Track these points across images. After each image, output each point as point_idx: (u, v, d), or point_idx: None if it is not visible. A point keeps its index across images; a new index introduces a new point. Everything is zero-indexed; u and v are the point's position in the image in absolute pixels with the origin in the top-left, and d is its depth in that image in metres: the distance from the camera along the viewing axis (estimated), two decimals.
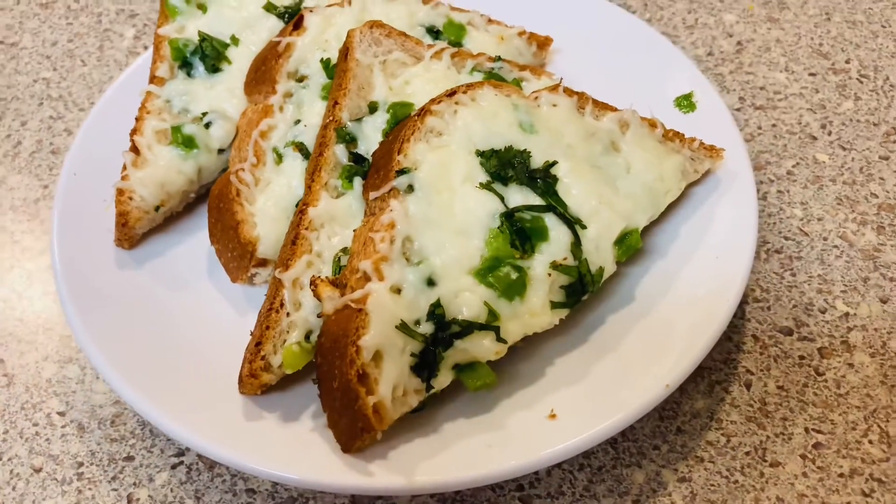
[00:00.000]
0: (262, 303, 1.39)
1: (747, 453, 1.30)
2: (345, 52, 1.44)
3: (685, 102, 1.61)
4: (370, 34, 1.45)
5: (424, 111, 1.30)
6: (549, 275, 1.25)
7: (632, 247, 1.34)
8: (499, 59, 1.52)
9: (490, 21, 1.69)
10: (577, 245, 1.27)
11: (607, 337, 1.32)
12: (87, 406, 1.36)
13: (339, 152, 1.36)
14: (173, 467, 1.30)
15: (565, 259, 1.26)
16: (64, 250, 1.38)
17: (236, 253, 1.37)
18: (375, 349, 1.13)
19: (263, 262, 1.39)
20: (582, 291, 1.28)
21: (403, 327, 1.15)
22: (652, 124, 1.44)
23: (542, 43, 1.73)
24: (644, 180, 1.37)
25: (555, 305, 1.26)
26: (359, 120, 1.40)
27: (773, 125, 1.79)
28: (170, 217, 1.51)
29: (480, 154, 1.29)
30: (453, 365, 1.21)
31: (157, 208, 1.44)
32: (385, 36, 1.47)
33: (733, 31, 2.00)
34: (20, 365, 1.41)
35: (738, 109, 1.82)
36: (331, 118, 1.38)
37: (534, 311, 1.24)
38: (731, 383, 1.38)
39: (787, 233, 1.59)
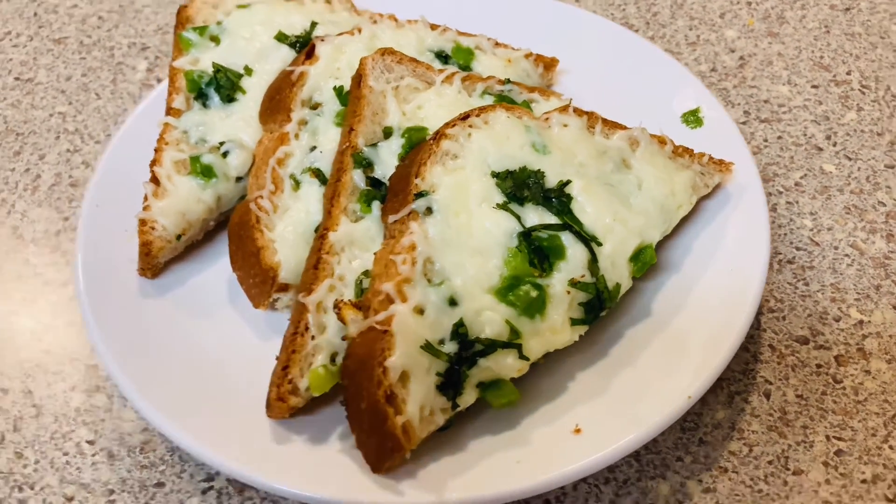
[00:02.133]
0: (284, 327, 1.41)
1: (770, 462, 1.31)
2: (358, 79, 1.47)
3: (692, 118, 1.63)
4: (382, 61, 1.49)
5: (439, 135, 1.33)
6: (568, 292, 1.27)
7: (647, 262, 1.36)
8: (508, 81, 1.55)
9: (497, 44, 1.73)
10: (593, 262, 1.30)
11: (627, 351, 1.34)
12: (116, 434, 1.38)
13: (357, 177, 1.38)
14: (203, 492, 1.31)
15: (583, 276, 1.28)
16: (89, 281, 1.40)
17: (258, 279, 1.39)
18: (402, 370, 1.15)
19: (285, 287, 1.41)
20: (600, 308, 1.30)
21: (428, 347, 1.17)
22: (661, 141, 1.47)
23: (549, 64, 1.76)
24: (656, 196, 1.40)
25: (574, 322, 1.28)
26: (374, 145, 1.42)
27: (779, 137, 1.82)
28: (189, 245, 1.53)
29: (496, 175, 1.32)
30: (477, 383, 1.23)
31: (178, 237, 1.46)
32: (396, 62, 1.50)
33: (735, 46, 2.04)
34: (48, 395, 1.43)
35: (743, 123, 1.85)
36: (347, 144, 1.41)
37: (554, 329, 1.26)
38: (751, 393, 1.40)
39: (798, 243, 1.61)
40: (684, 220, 1.47)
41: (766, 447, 1.33)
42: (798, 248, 1.60)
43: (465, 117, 1.36)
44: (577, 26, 1.84)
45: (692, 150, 1.49)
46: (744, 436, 1.35)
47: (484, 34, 1.72)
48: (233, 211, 1.56)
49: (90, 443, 1.37)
